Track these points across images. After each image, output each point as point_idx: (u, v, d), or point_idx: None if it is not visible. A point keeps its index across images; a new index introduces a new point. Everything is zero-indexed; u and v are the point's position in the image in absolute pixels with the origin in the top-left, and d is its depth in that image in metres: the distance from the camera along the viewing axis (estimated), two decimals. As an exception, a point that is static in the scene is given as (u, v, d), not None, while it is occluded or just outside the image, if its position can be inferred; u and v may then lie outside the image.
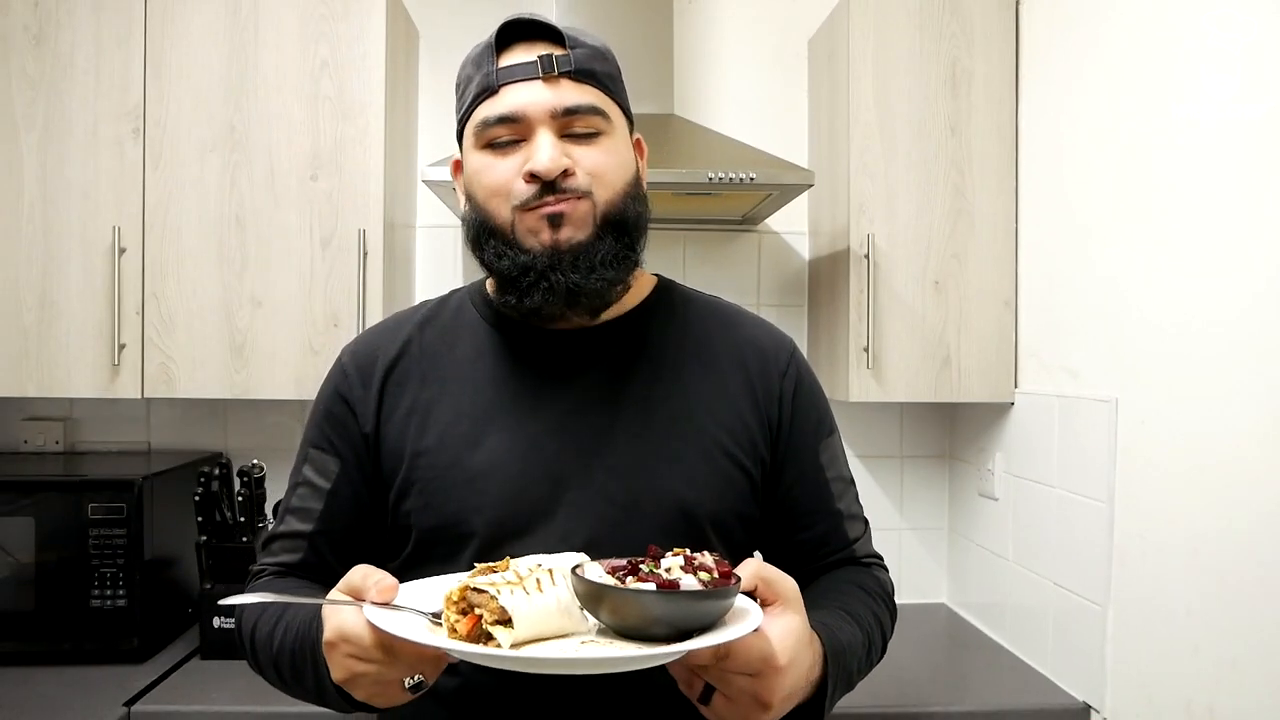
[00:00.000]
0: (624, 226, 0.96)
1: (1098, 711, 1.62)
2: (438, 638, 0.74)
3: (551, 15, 2.04)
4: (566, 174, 0.92)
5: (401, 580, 0.94)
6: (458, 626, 0.75)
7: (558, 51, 0.94)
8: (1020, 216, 1.96)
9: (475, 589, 0.76)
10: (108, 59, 1.87)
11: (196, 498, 1.86)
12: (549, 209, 0.92)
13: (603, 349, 1.01)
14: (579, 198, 0.93)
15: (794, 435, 1.04)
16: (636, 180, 1.00)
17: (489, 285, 1.06)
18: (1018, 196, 1.97)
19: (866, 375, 1.94)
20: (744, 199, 1.95)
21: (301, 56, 1.89)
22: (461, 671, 0.91)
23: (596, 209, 0.94)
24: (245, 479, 1.90)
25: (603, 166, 0.94)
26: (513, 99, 0.93)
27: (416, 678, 0.77)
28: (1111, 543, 1.57)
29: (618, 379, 1.00)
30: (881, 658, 1.02)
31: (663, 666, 0.78)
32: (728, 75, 2.29)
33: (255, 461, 1.93)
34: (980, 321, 1.96)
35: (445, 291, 1.13)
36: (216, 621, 1.82)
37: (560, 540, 0.93)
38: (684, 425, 0.99)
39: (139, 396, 1.88)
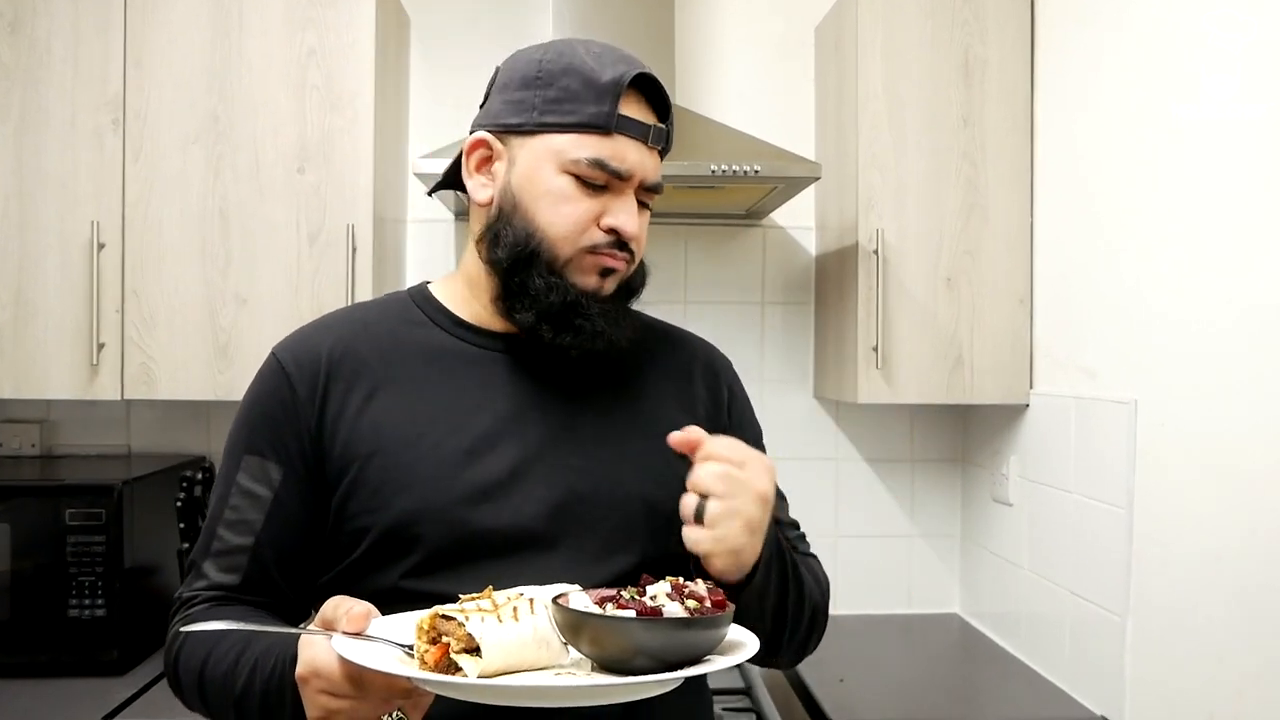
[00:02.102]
0: (637, 287, 1.04)
1: (1117, 726, 1.60)
2: (405, 668, 0.73)
3: (549, 4, 1.98)
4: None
5: (348, 587, 0.92)
6: (426, 657, 0.74)
7: (659, 124, 1.00)
8: (1035, 211, 1.93)
9: (445, 616, 0.74)
10: (86, 47, 1.83)
11: (178, 503, 1.82)
12: (610, 263, 0.98)
13: (557, 356, 1.00)
14: (629, 260, 1.00)
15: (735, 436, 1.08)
16: None
17: (442, 294, 1.06)
18: (1033, 190, 1.94)
19: (876, 376, 1.90)
20: (748, 192, 1.93)
21: (288, 44, 1.85)
22: (447, 704, 0.85)
23: (630, 267, 1.01)
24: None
25: (645, 238, 1.02)
26: (629, 156, 0.96)
27: (395, 715, 0.76)
28: (1130, 550, 1.55)
29: (575, 388, 1.01)
30: (810, 622, 1.05)
31: (658, 698, 0.76)
32: (731, 64, 2.26)
33: (240, 465, 1.88)
34: (994, 320, 1.93)
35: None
36: (199, 632, 1.77)
37: (518, 537, 0.93)
38: (643, 428, 1.01)
39: (119, 398, 1.84)
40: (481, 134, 0.99)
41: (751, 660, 0.94)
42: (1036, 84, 1.92)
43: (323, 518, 0.97)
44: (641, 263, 1.03)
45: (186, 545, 1.81)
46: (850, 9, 1.96)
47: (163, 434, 2.17)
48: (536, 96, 0.96)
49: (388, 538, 0.93)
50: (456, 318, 1.03)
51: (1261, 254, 1.29)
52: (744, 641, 0.79)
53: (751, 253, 2.26)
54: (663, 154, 1.01)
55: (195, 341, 1.84)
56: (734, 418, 1.12)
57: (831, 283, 2.13)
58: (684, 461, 0.96)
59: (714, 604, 0.76)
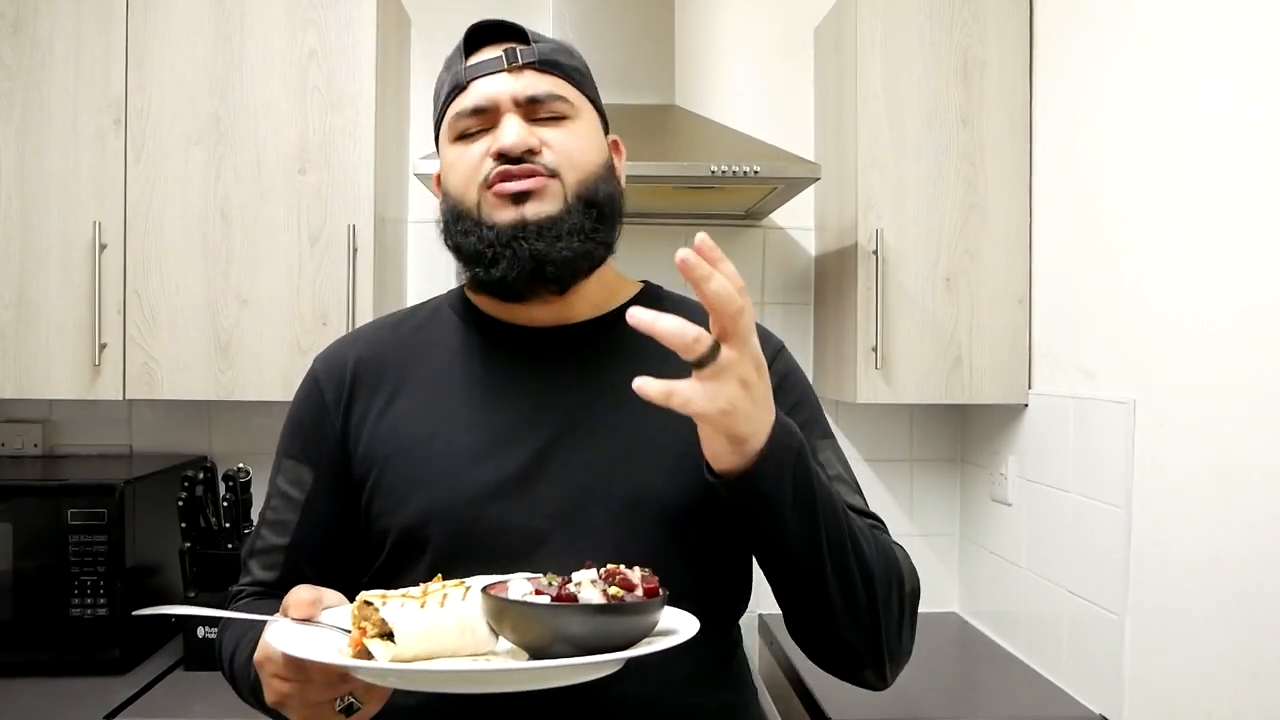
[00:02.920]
0: (595, 202, 0.97)
1: (1116, 725, 1.60)
2: (323, 654, 0.73)
3: (549, 4, 1.99)
4: (533, 152, 0.94)
5: (384, 588, 0.90)
6: (350, 643, 0.75)
7: (522, 47, 0.98)
8: (1034, 211, 1.93)
9: (366, 602, 0.75)
10: (88, 48, 1.83)
11: (180, 503, 1.82)
12: (513, 187, 0.93)
13: (577, 345, 1.00)
14: (547, 176, 0.95)
15: None
16: (609, 167, 1.01)
17: (473, 291, 1.06)
18: (1031, 190, 1.93)
19: (875, 376, 1.90)
20: (748, 193, 1.92)
21: (289, 45, 1.85)
22: (411, 695, 0.87)
23: (566, 188, 0.96)
24: (230, 483, 1.88)
25: (570, 147, 0.96)
26: (480, 91, 0.96)
27: (346, 699, 0.76)
28: (1129, 549, 1.55)
29: (592, 373, 0.99)
30: (887, 594, 0.90)
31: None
32: (731, 65, 2.25)
33: (241, 465, 1.91)
34: (993, 320, 1.93)
35: (434, 290, 1.12)
36: (201, 631, 1.78)
37: (528, 536, 0.92)
38: (661, 419, 0.92)
39: (120, 398, 1.84)
40: (437, 167, 1.04)
41: (835, 671, 0.92)
42: (1035, 84, 1.92)
43: (354, 520, 0.99)
44: (601, 180, 0.98)
45: (188, 544, 1.81)
46: (849, 10, 1.96)
47: (164, 434, 2.17)
48: (434, 109, 1.03)
49: (405, 538, 0.94)
50: (483, 315, 1.03)
51: (1259, 254, 1.29)
52: (678, 629, 0.76)
53: (751, 253, 2.26)
54: (541, 66, 0.98)
55: (197, 342, 1.84)
56: (779, 400, 0.98)
57: (831, 283, 2.13)
58: (699, 453, 0.92)
59: (646, 592, 0.74)
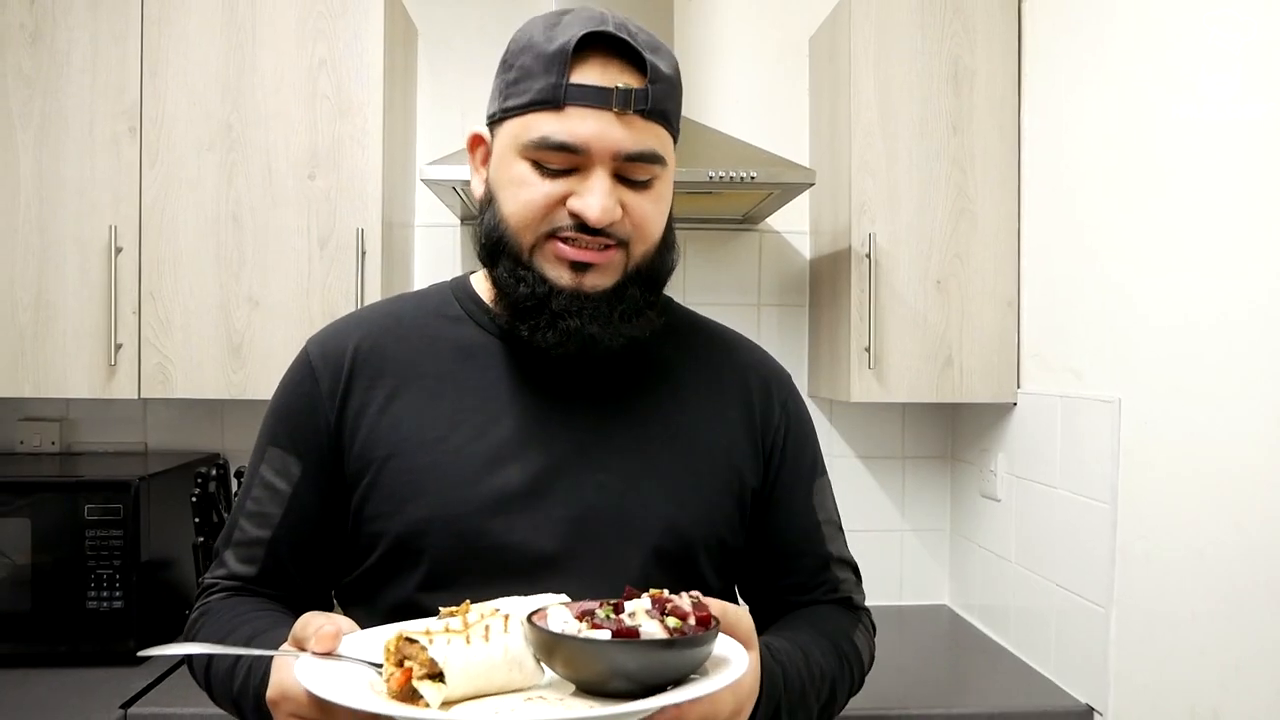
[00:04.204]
0: (655, 279, 0.91)
1: (1101, 714, 1.62)
2: (366, 697, 0.67)
3: (551, 6, 2.02)
4: (611, 223, 0.87)
5: (369, 595, 0.88)
6: (391, 682, 0.68)
7: (636, 84, 0.85)
8: (1023, 215, 1.95)
9: (409, 639, 0.69)
10: (104, 57, 1.86)
11: (194, 499, 1.84)
12: (579, 256, 0.86)
13: (592, 360, 0.94)
14: (612, 247, 0.87)
15: (787, 470, 1.00)
16: (670, 221, 0.94)
17: (480, 287, 0.99)
18: (1020, 195, 1.96)
19: (868, 375, 1.93)
20: (744, 198, 1.94)
21: (299, 54, 1.88)
22: None
23: (630, 260, 0.89)
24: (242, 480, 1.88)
25: (648, 218, 0.89)
26: (579, 128, 0.84)
27: None
28: (1115, 544, 1.56)
29: (607, 391, 0.94)
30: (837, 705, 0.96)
31: None
32: (728, 72, 2.28)
33: (253, 462, 1.91)
34: (982, 321, 1.96)
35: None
36: (214, 623, 1.80)
37: (531, 554, 0.87)
38: (680, 443, 0.93)
39: (136, 397, 1.87)
40: (478, 129, 0.94)
41: None
42: (1024, 93, 1.94)
43: (341, 516, 0.93)
44: (663, 250, 0.91)
45: (201, 539, 1.83)
46: (844, 20, 1.98)
47: (178, 432, 2.19)
48: (501, 81, 0.90)
49: (399, 546, 0.89)
50: (493, 312, 0.95)
51: (1242, 257, 1.30)
52: (729, 658, 0.72)
53: (747, 256, 2.28)
54: (650, 115, 0.86)
55: (210, 342, 1.87)
56: (788, 442, 1.00)
57: (825, 285, 2.15)
58: (716, 480, 0.91)
59: (698, 620, 0.69)
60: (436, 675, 0.67)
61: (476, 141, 0.95)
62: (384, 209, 1.91)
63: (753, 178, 1.76)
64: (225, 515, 1.88)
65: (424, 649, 0.67)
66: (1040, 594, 1.82)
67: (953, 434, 2.29)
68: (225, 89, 1.87)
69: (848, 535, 1.09)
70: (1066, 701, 1.67)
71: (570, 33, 0.84)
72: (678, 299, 1.10)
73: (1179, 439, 1.42)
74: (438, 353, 0.95)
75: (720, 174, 1.75)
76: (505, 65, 0.90)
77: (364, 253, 1.88)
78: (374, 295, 1.88)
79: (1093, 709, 1.63)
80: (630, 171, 0.87)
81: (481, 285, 0.99)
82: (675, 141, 0.93)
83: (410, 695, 0.67)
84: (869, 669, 1.00)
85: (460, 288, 1.01)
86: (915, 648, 2.00)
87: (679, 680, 0.68)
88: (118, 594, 1.78)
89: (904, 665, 1.85)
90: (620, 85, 0.84)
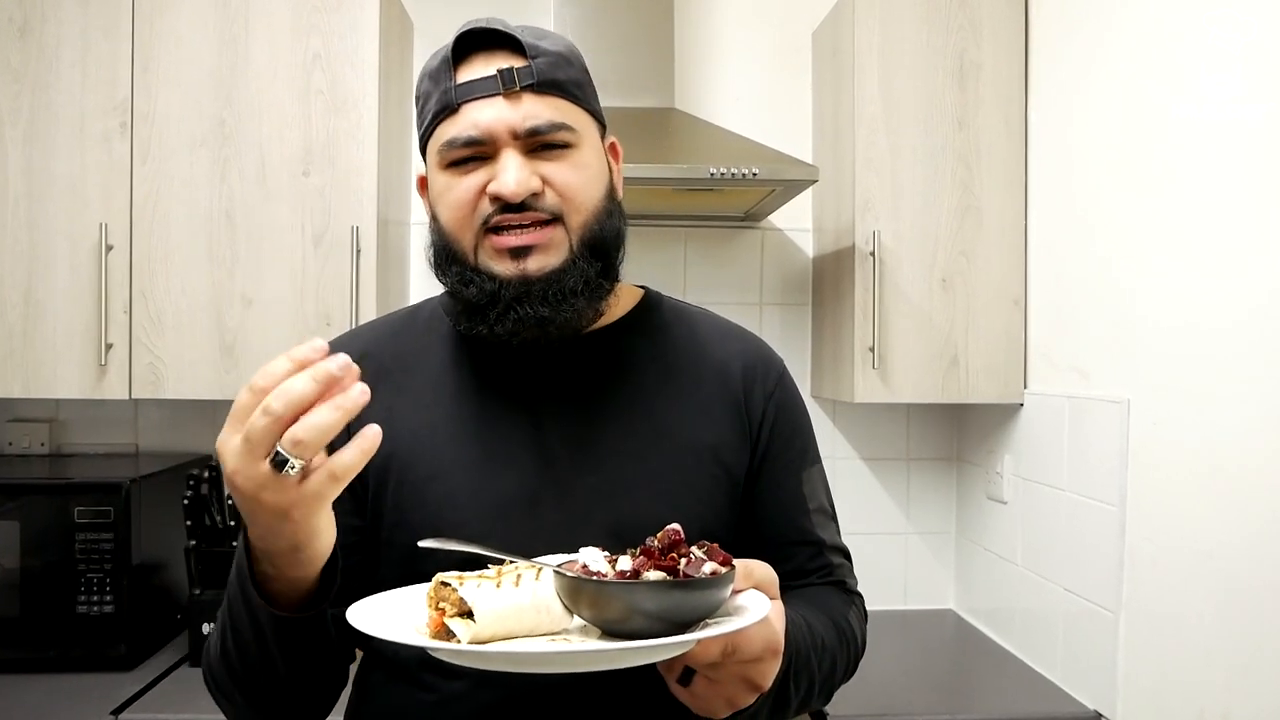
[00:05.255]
0: (601, 248, 0.93)
1: (1109, 721, 1.60)
2: (408, 634, 0.74)
3: (550, 8, 2.00)
4: (534, 194, 0.89)
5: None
6: (430, 625, 0.75)
7: (518, 63, 0.89)
8: (1029, 213, 1.94)
9: (444, 583, 0.75)
10: (95, 52, 1.84)
11: (185, 501, 1.82)
12: (515, 241, 0.89)
13: (581, 363, 0.97)
14: (547, 224, 0.90)
15: (775, 459, 1.00)
16: (610, 192, 0.96)
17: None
18: (1027, 192, 1.94)
19: (872, 375, 1.91)
20: (746, 195, 1.93)
21: (293, 49, 1.86)
22: (467, 676, 0.86)
23: (570, 233, 0.91)
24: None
25: (573, 185, 0.91)
26: (474, 118, 0.89)
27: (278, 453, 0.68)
28: (1123, 547, 1.55)
29: (596, 394, 0.96)
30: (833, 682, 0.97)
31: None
32: (729, 68, 2.27)
33: (246, 464, 1.89)
34: (989, 320, 1.94)
35: (436, 289, 1.06)
36: (206, 628, 1.79)
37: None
38: (665, 443, 0.95)
39: (127, 397, 1.85)
40: (422, 169, 0.99)
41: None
42: (1030, 88, 1.93)
43: (343, 528, 0.93)
44: (604, 217, 0.93)
45: (193, 542, 1.81)
46: (847, 15, 1.97)
47: (170, 433, 2.18)
48: (418, 117, 0.96)
49: (406, 558, 0.89)
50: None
51: (1252, 257, 1.29)
52: (747, 605, 0.75)
53: (750, 254, 2.26)
54: (540, 88, 0.90)
55: (202, 342, 1.85)
56: (775, 432, 1.00)
57: (828, 284, 2.14)
58: (706, 479, 0.93)
59: (721, 562, 0.73)
60: (468, 614, 0.73)
61: (422, 181, 1.00)
62: (379, 206, 1.89)
63: (755, 174, 1.75)
64: (217, 518, 1.87)
65: (454, 590, 0.74)
66: (1047, 598, 1.81)
67: (958, 435, 2.27)
68: (218, 84, 1.86)
69: (851, 538, 1.08)
70: (1074, 707, 1.66)
71: (448, 42, 0.91)
72: (680, 297, 1.10)
73: (1188, 440, 1.42)
74: (424, 366, 0.98)
75: (721, 170, 1.74)
76: (415, 101, 0.96)
77: (359, 250, 1.86)
78: (369, 293, 1.87)
79: (1101, 715, 1.62)
80: (539, 143, 0.90)
81: None
82: (597, 116, 0.97)
83: (447, 635, 0.73)
84: (863, 653, 1.02)
85: (447, 300, 1.04)
86: (920, 652, 2.00)
87: (695, 621, 0.72)
88: (108, 598, 1.77)
89: (909, 670, 1.85)
90: (499, 69, 0.89)
